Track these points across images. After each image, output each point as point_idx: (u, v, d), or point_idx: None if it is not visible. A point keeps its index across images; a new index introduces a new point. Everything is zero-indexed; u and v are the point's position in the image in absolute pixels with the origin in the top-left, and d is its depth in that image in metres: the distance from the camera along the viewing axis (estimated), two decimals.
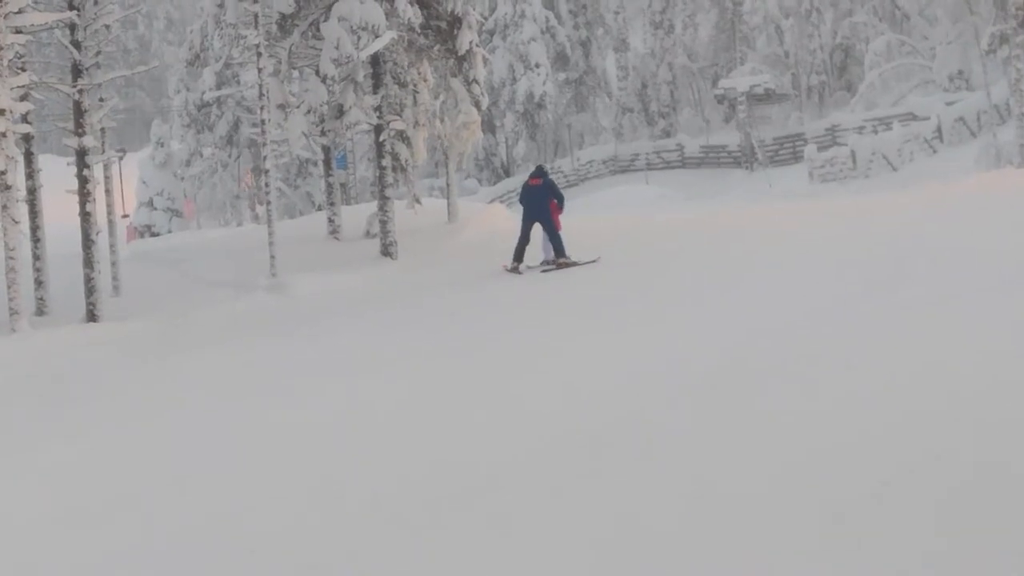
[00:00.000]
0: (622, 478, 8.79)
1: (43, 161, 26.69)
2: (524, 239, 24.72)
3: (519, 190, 26.31)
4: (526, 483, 8.96)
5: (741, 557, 7.10)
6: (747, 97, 67.70)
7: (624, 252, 24.98)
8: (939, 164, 50.24)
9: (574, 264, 24.25)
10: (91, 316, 23.09)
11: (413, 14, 27.29)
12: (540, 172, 25.61)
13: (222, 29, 31.05)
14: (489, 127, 71.52)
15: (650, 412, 10.69)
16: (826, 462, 8.52)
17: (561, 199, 25.34)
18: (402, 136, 29.73)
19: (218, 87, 65.61)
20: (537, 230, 24.81)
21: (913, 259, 18.59)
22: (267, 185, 27.93)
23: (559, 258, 24.46)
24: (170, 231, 68.27)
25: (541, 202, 24.72)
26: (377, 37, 26.58)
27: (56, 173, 28.75)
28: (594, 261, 24.25)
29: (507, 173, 75.14)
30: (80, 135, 23.32)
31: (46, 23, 23.17)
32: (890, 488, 7.78)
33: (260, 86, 27.26)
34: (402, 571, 7.59)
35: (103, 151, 26.68)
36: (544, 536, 7.79)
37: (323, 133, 31.98)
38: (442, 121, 31.84)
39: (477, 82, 29.74)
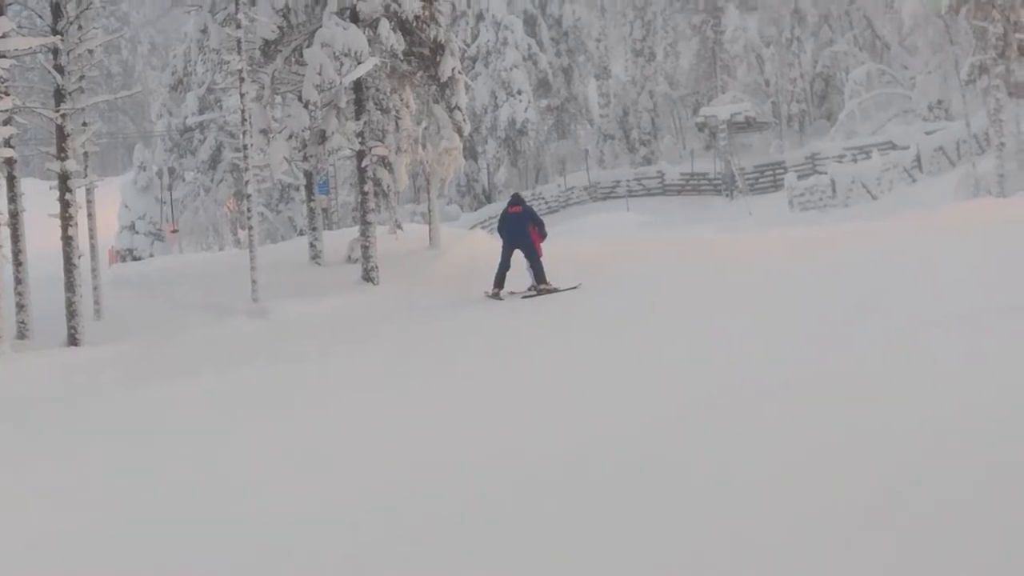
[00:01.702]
0: (594, 503, 8.85)
1: (25, 185, 26.69)
2: (505, 266, 24.81)
3: (499, 218, 26.38)
4: (522, 501, 9.01)
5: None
6: (728, 125, 68.02)
7: (605, 279, 25.03)
8: (919, 193, 50.45)
9: (555, 291, 24.32)
10: (72, 340, 23.06)
11: (396, 41, 27.37)
12: (517, 200, 25.78)
13: (205, 54, 30.99)
14: (471, 153, 71.75)
15: (621, 440, 10.73)
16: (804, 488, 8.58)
17: (541, 226, 25.47)
18: (384, 162, 29.79)
19: (201, 112, 65.68)
20: (518, 257, 24.90)
21: (891, 289, 18.71)
22: (249, 210, 27.96)
23: (540, 284, 24.55)
24: (152, 255, 68.22)
25: (522, 229, 24.84)
26: (360, 63, 26.65)
27: (38, 197, 28.72)
28: (575, 288, 24.32)
29: (488, 199, 75.28)
30: (63, 159, 23.32)
31: (29, 47, 23.19)
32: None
33: (243, 111, 27.31)
34: None
35: (85, 175, 26.71)
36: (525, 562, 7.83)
37: (305, 158, 32.00)
38: (424, 147, 31.91)
39: (459, 108, 29.81)
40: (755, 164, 68.84)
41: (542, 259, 24.80)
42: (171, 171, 69.41)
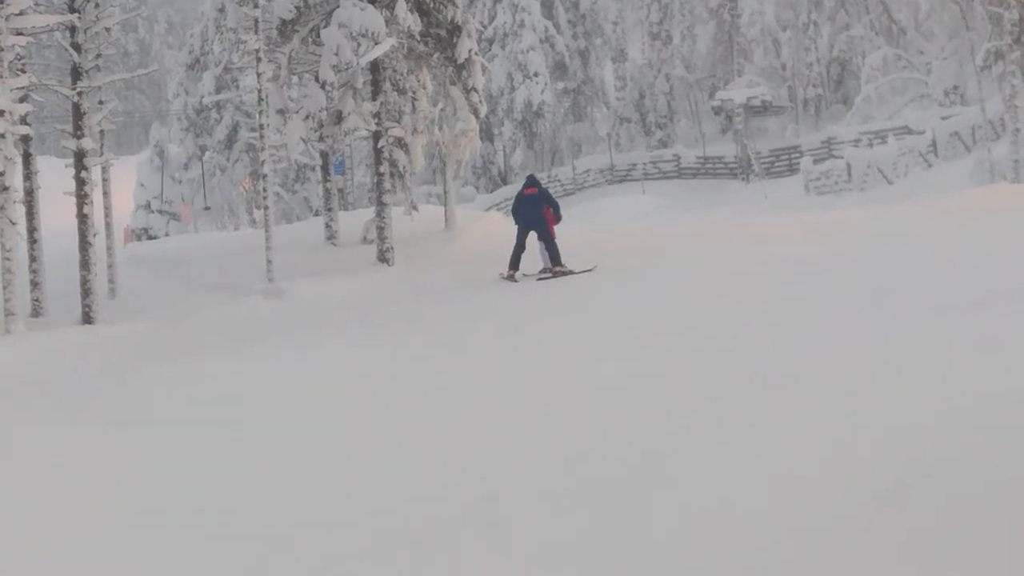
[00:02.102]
0: (620, 490, 8.83)
1: (41, 163, 26.71)
2: (520, 247, 24.74)
3: (514, 199, 26.29)
4: (529, 495, 8.98)
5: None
6: (744, 109, 67.88)
7: (620, 262, 24.97)
8: (934, 178, 50.29)
9: (570, 273, 24.27)
10: (87, 318, 23.08)
11: (413, 22, 27.34)
12: (533, 181, 25.69)
13: (222, 33, 31.06)
14: (487, 135, 71.63)
15: (628, 431, 10.70)
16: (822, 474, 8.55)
17: (556, 208, 25.42)
18: (400, 143, 29.76)
19: (217, 91, 65.67)
20: (534, 239, 24.87)
21: (906, 275, 18.64)
22: (265, 190, 27.99)
23: (555, 266, 24.49)
24: (167, 234, 68.28)
25: (537, 211, 24.80)
26: (377, 44, 26.62)
27: (54, 175, 28.73)
28: (591, 270, 24.27)
29: (504, 181, 75.21)
30: (79, 137, 23.33)
31: (47, 25, 23.19)
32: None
33: (259, 91, 27.30)
34: None
35: (101, 154, 26.71)
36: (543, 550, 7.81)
37: (321, 139, 32.00)
38: (440, 128, 31.89)
39: (476, 90, 29.77)
40: (771, 148, 68.73)
41: (556, 241, 24.76)
42: (203, 148, 69.25)
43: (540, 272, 24.85)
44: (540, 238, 24.81)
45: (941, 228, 24.74)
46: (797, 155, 65.54)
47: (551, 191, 29.67)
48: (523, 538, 7.96)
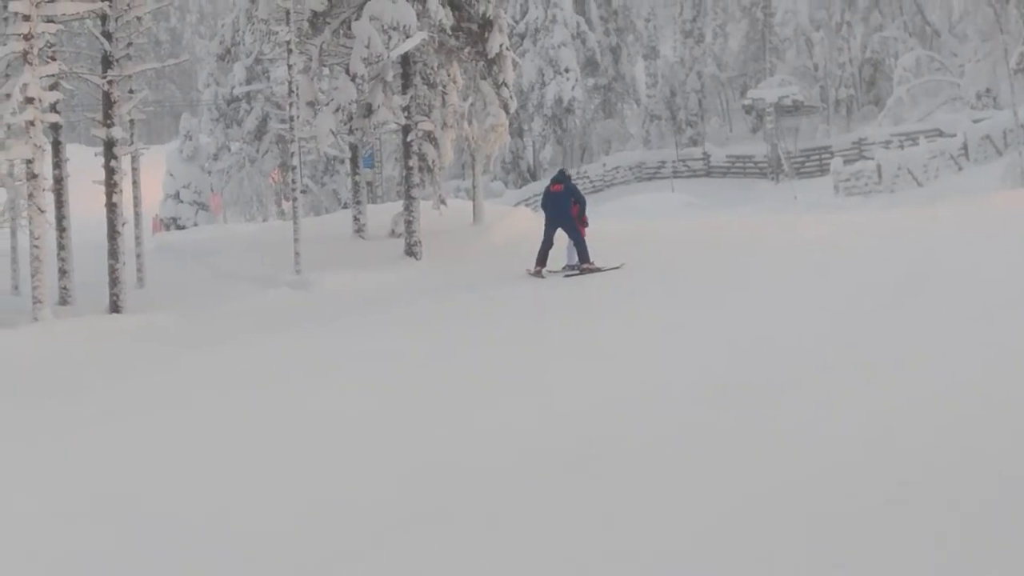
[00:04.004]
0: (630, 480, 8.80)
1: (71, 151, 26.74)
2: (547, 243, 24.68)
3: (542, 194, 26.22)
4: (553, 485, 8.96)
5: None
6: (775, 108, 67.68)
7: (649, 259, 24.91)
8: (964, 181, 50.15)
9: (597, 270, 24.20)
10: (114, 307, 23.10)
11: (444, 16, 27.32)
12: (562, 177, 25.52)
13: (253, 24, 30.98)
14: (517, 130, 71.57)
15: (658, 421, 10.69)
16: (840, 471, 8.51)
17: (583, 204, 25.31)
18: (430, 137, 29.71)
19: (248, 82, 65.73)
20: (561, 236, 24.80)
21: (929, 278, 18.63)
22: (294, 182, 28.02)
23: (583, 263, 24.43)
24: (196, 224, 68.40)
25: (563, 208, 24.71)
26: (408, 37, 26.60)
27: (84, 163, 28.76)
28: (618, 267, 24.20)
29: (533, 177, 75.14)
30: (108, 126, 23.34)
31: (78, 13, 23.18)
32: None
33: (290, 83, 27.32)
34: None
35: (131, 143, 26.74)
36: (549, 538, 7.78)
37: (351, 131, 31.98)
38: (470, 123, 31.85)
39: (506, 85, 29.73)
40: (801, 148, 68.55)
41: (584, 238, 24.69)
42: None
43: (565, 268, 24.81)
44: (568, 235, 24.74)
45: (970, 232, 24.66)
46: (827, 156, 65.36)
47: (580, 187, 29.40)
48: (543, 524, 7.97)
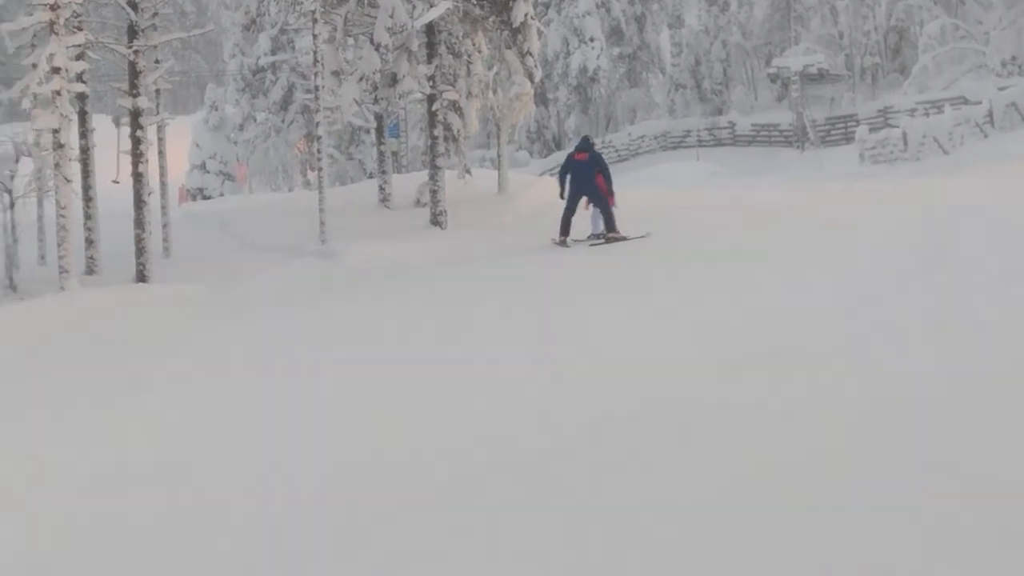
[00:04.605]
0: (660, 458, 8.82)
1: (97, 121, 26.82)
2: (570, 211, 24.59)
3: (563, 162, 26.07)
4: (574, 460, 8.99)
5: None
6: (800, 77, 67.37)
7: (675, 228, 24.84)
8: (990, 148, 49.88)
9: (623, 239, 24.15)
10: (140, 277, 23.21)
11: None
12: (586, 145, 25.35)
13: None
14: (542, 100, 71.40)
15: (685, 391, 10.69)
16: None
17: (608, 177, 25.05)
18: (454, 106, 29.69)
19: (273, 52, 65.79)
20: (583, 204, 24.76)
21: (960, 245, 18.55)
22: (319, 152, 28.05)
23: (609, 232, 24.38)
24: (222, 194, 68.55)
25: (588, 176, 24.59)
26: (432, 6, 26.62)
27: (110, 133, 28.85)
28: (644, 236, 24.14)
29: (558, 146, 75.01)
30: (134, 96, 23.42)
31: None
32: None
33: (315, 52, 27.32)
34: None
35: (157, 113, 26.80)
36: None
37: (376, 101, 32.01)
38: (495, 92, 31.84)
39: (531, 54, 29.71)
40: (827, 116, 68.21)
41: (613, 208, 24.63)
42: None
43: (590, 237, 24.76)
44: (595, 204, 24.68)
45: (999, 197, 24.60)
46: (853, 124, 65.02)
47: (605, 156, 29.28)
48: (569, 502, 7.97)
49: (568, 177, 24.96)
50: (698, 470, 8.26)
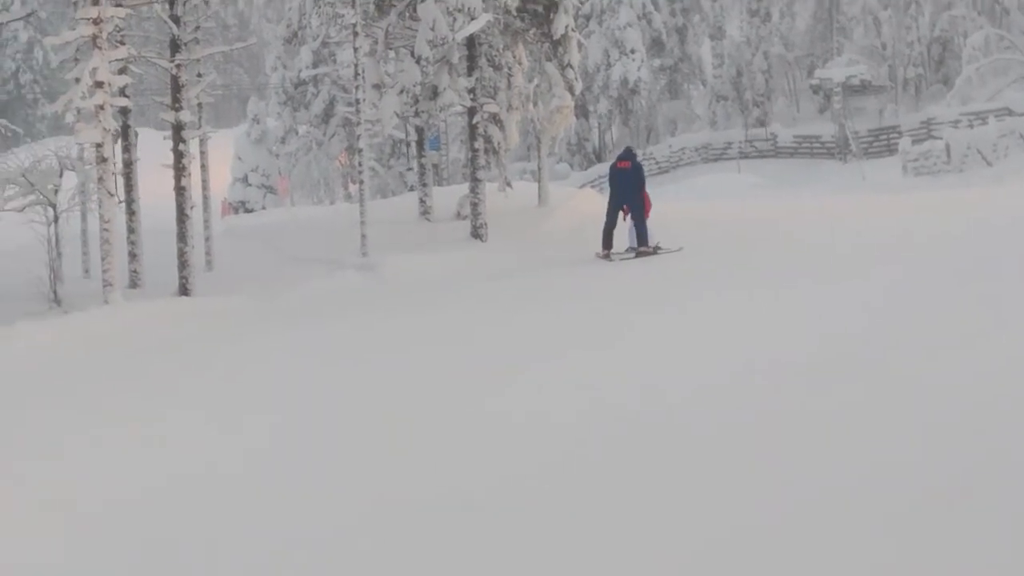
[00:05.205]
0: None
1: (140, 135, 26.96)
2: (611, 223, 24.62)
3: (609, 171, 26.07)
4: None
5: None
6: (843, 88, 67.21)
7: (713, 241, 24.79)
8: None
9: (654, 253, 24.11)
10: (183, 290, 23.32)
11: None
12: (629, 155, 25.42)
13: (320, 8, 31.19)
14: (582, 112, 71.44)
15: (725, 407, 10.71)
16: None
17: (643, 185, 25.05)
18: (495, 119, 29.71)
19: (315, 65, 65.94)
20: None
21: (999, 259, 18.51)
22: (360, 164, 28.12)
23: (640, 246, 24.37)
24: (264, 207, 68.75)
25: (630, 186, 24.63)
26: (473, 19, 26.65)
27: (153, 147, 28.99)
28: (678, 250, 24.10)
29: (599, 158, 75.04)
30: (177, 110, 23.54)
31: None
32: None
33: (356, 65, 27.40)
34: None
35: (199, 126, 26.94)
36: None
37: (417, 114, 32.08)
38: (535, 105, 31.83)
39: (571, 66, 29.74)
40: (869, 128, 67.99)
41: (647, 222, 24.62)
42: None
43: (624, 251, 24.71)
44: (632, 216, 24.66)
45: None
46: (896, 135, 64.76)
47: (645, 168, 29.25)
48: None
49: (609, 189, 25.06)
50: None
